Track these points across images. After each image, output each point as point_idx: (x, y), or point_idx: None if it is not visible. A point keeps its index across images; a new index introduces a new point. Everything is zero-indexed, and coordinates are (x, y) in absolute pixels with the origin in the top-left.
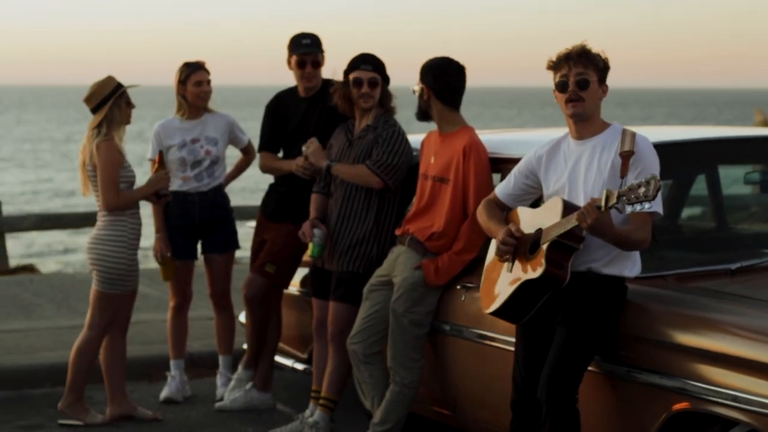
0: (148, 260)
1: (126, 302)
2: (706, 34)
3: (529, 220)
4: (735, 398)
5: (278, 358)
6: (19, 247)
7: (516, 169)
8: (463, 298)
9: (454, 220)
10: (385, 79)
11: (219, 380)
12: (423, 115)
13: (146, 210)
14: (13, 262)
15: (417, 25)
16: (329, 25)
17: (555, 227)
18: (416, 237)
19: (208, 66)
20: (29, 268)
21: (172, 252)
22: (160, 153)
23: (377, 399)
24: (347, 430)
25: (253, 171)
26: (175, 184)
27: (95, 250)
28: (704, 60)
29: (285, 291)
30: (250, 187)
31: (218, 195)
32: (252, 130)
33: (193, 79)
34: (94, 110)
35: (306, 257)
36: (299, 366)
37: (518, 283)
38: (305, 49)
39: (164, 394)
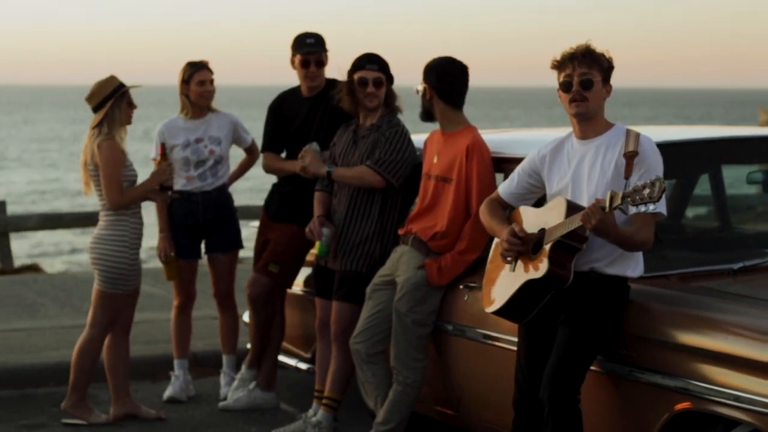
0: (152, 260)
1: (128, 302)
2: (707, 34)
3: (532, 219)
4: (737, 398)
5: (282, 358)
6: (26, 246)
7: (519, 168)
8: (466, 298)
9: (457, 219)
10: (390, 79)
11: (223, 380)
12: (427, 115)
13: (150, 209)
14: (20, 262)
15: (417, 25)
16: (329, 25)
17: (558, 227)
18: (419, 237)
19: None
20: (33, 268)
21: (176, 251)
22: (162, 145)
23: (380, 399)
24: (350, 430)
25: (259, 171)
26: (179, 184)
27: (97, 249)
28: (706, 60)
29: (288, 291)
30: (257, 187)
31: (222, 194)
32: (252, 130)
33: (196, 79)
34: (96, 109)
35: (310, 256)
36: (303, 365)
37: (521, 282)
38: (309, 49)
39: (168, 393)
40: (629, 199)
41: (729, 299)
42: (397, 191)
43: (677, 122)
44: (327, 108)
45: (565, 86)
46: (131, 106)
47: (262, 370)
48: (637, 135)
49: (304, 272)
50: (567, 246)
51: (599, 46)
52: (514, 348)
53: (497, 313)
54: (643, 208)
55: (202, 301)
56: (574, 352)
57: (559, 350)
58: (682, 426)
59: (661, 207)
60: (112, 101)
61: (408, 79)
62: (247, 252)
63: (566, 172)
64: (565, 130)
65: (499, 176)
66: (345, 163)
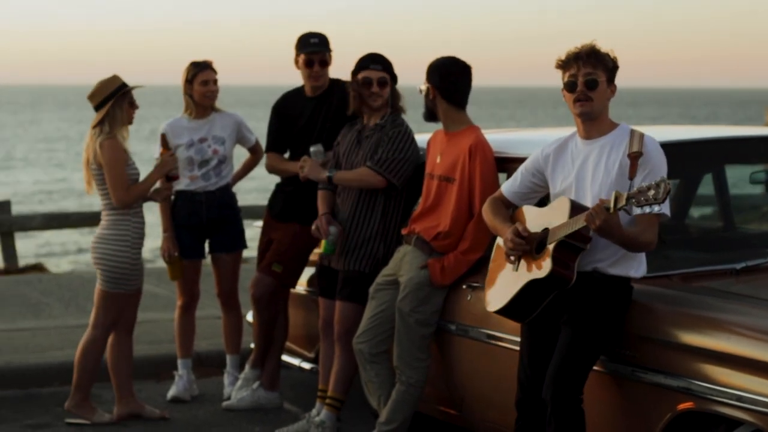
0: (157, 260)
1: (130, 301)
2: (709, 34)
3: (535, 219)
4: (740, 398)
5: (285, 358)
6: (33, 246)
7: (523, 167)
8: (469, 298)
9: (460, 219)
10: (394, 79)
11: (226, 379)
12: (431, 115)
13: (154, 209)
14: (27, 261)
15: (417, 25)
16: (329, 25)
17: (562, 227)
18: (422, 236)
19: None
20: (38, 268)
21: (179, 251)
22: (163, 135)
23: (383, 398)
24: (354, 430)
25: (265, 171)
26: (183, 184)
27: (99, 249)
28: (710, 60)
29: (292, 290)
30: (262, 187)
31: (226, 194)
32: (256, 130)
33: (199, 78)
34: (97, 108)
35: (313, 256)
36: (306, 365)
37: (524, 282)
38: (313, 48)
39: (171, 393)
40: (634, 200)
41: (732, 299)
42: (400, 191)
43: (682, 122)
44: (331, 108)
45: (569, 86)
46: (133, 106)
47: (265, 369)
48: (642, 135)
49: (308, 272)
50: (570, 246)
51: (604, 46)
52: (517, 348)
53: (500, 312)
54: (648, 209)
55: (205, 300)
56: (577, 352)
57: (562, 350)
58: (684, 426)
59: (665, 208)
60: (113, 101)
61: (408, 78)
62: (251, 252)
63: (570, 171)
64: (568, 130)
65: (502, 176)
66: (348, 163)
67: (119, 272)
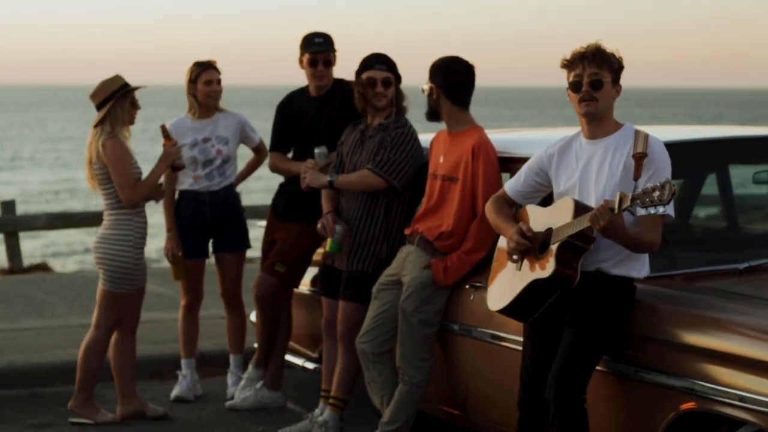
0: (161, 259)
1: (133, 301)
2: (708, 34)
3: (538, 218)
4: (742, 398)
5: (288, 357)
6: (39, 246)
7: (526, 166)
8: (472, 298)
9: (463, 219)
10: (398, 79)
11: (230, 379)
12: (433, 114)
13: (157, 209)
14: (34, 261)
15: (417, 25)
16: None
17: (566, 227)
18: (425, 236)
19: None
20: (42, 267)
21: (183, 251)
22: (163, 126)
23: (386, 398)
24: (357, 430)
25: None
26: (186, 183)
27: (101, 249)
28: (715, 61)
29: (295, 290)
30: (269, 187)
31: (229, 194)
32: (261, 131)
33: (203, 78)
34: (99, 107)
35: (317, 256)
36: (309, 365)
37: (527, 282)
38: (317, 48)
39: (175, 392)
40: (639, 201)
41: (734, 299)
42: (403, 191)
43: (689, 122)
44: (334, 108)
45: (574, 86)
46: (135, 106)
47: (269, 369)
48: (646, 136)
49: (311, 272)
50: (574, 246)
51: (609, 46)
52: (521, 348)
53: (502, 311)
54: (652, 210)
55: (209, 300)
56: (579, 352)
57: (565, 350)
58: (687, 426)
59: (669, 209)
60: (113, 100)
61: (408, 78)
62: (255, 252)
63: (574, 171)
64: (572, 130)
65: (505, 176)
66: (351, 163)
67: (122, 272)
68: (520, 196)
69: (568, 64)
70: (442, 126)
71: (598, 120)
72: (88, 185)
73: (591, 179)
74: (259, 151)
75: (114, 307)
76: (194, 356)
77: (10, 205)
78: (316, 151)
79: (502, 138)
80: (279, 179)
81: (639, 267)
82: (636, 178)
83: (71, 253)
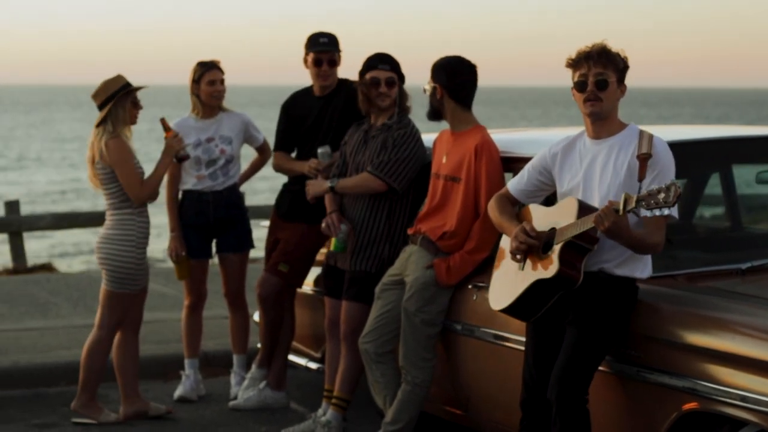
0: (165, 259)
1: (136, 301)
2: (708, 34)
3: (542, 218)
4: (744, 398)
5: (292, 357)
6: (46, 246)
7: (530, 165)
8: (474, 298)
9: (465, 219)
10: (402, 78)
11: (233, 379)
12: (435, 114)
13: (161, 209)
14: (41, 261)
15: (417, 25)
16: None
17: (570, 228)
18: (428, 236)
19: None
20: (47, 267)
21: (186, 251)
22: (162, 120)
23: (389, 398)
24: (360, 430)
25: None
26: (190, 183)
27: (104, 249)
28: (722, 61)
29: (298, 290)
30: (275, 188)
31: (233, 194)
32: (266, 131)
33: (206, 78)
34: (100, 107)
35: (320, 256)
36: (313, 365)
37: (530, 281)
38: (322, 48)
39: (178, 392)
40: (644, 203)
41: (737, 299)
42: (406, 192)
43: (695, 122)
44: (338, 107)
45: (579, 86)
46: (136, 106)
47: (272, 369)
48: (651, 136)
49: (314, 272)
50: (578, 247)
51: (615, 46)
52: (523, 348)
53: (505, 311)
54: (657, 213)
55: (212, 300)
56: (582, 353)
57: (568, 350)
58: (689, 426)
59: (673, 210)
60: (114, 100)
61: (408, 78)
62: (258, 252)
63: (577, 171)
64: (575, 130)
65: (508, 176)
66: (355, 163)
67: (124, 272)
68: (523, 195)
69: (573, 64)
70: (444, 126)
71: (603, 120)
72: (90, 185)
73: (595, 179)
74: (262, 150)
75: (117, 307)
76: (197, 356)
77: (14, 205)
78: (319, 150)
79: (505, 138)
80: (284, 179)
81: (642, 267)
82: (641, 179)
83: (78, 253)
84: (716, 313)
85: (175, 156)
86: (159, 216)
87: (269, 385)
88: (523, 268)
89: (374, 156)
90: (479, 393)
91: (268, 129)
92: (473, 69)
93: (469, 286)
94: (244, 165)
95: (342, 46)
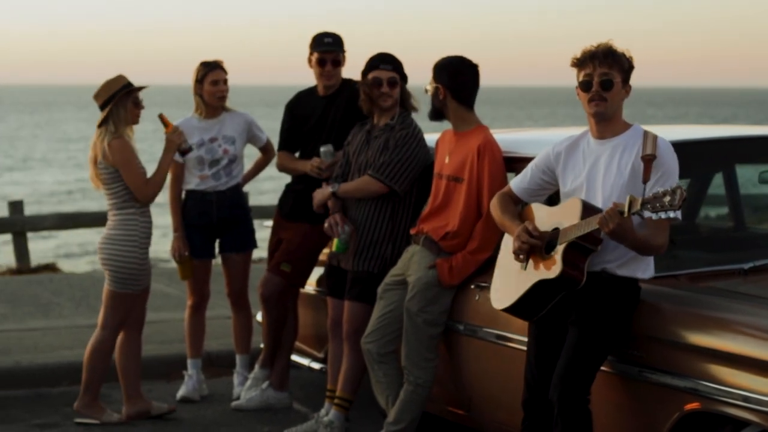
0: (168, 260)
1: (138, 301)
2: (708, 34)
3: (545, 218)
4: (746, 399)
5: (294, 357)
6: (52, 247)
7: (533, 164)
8: (477, 298)
9: (468, 219)
10: (404, 78)
11: (236, 379)
12: (437, 114)
13: (164, 209)
14: (44, 261)
15: (416, 25)
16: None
17: (574, 228)
18: (430, 236)
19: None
20: (50, 267)
21: (189, 251)
22: (161, 115)
23: (391, 398)
24: (362, 430)
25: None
26: (193, 183)
27: (106, 249)
28: (708, 60)
29: (301, 290)
30: (280, 188)
31: (236, 194)
32: (271, 131)
33: (209, 78)
34: (102, 107)
35: (322, 256)
36: (315, 365)
37: (533, 282)
38: (326, 48)
39: (181, 392)
40: (649, 206)
41: (739, 299)
42: (408, 192)
43: (702, 122)
44: (341, 107)
45: (584, 85)
46: (138, 106)
47: (274, 369)
48: (655, 137)
49: (317, 272)
50: (581, 247)
51: (620, 46)
52: (525, 348)
53: (507, 310)
54: (663, 215)
55: (215, 300)
56: (584, 353)
57: (570, 350)
58: (691, 426)
59: (678, 212)
60: (115, 100)
61: (410, 78)
62: (262, 252)
63: (581, 171)
64: (578, 130)
65: (510, 176)
66: (357, 163)
67: (127, 272)
68: (525, 194)
69: (579, 63)
70: (447, 126)
71: (607, 120)
72: (92, 184)
73: (598, 179)
74: (266, 150)
75: (119, 307)
76: (200, 356)
77: (17, 205)
78: (322, 149)
79: (508, 138)
80: (288, 179)
81: (644, 268)
82: (645, 180)
83: (83, 253)
84: (719, 313)
85: (178, 150)
86: (162, 216)
87: (272, 385)
88: (525, 268)
89: (376, 157)
90: (481, 393)
91: (270, 129)
92: (475, 69)
93: (472, 286)
94: (248, 165)
95: (346, 46)
